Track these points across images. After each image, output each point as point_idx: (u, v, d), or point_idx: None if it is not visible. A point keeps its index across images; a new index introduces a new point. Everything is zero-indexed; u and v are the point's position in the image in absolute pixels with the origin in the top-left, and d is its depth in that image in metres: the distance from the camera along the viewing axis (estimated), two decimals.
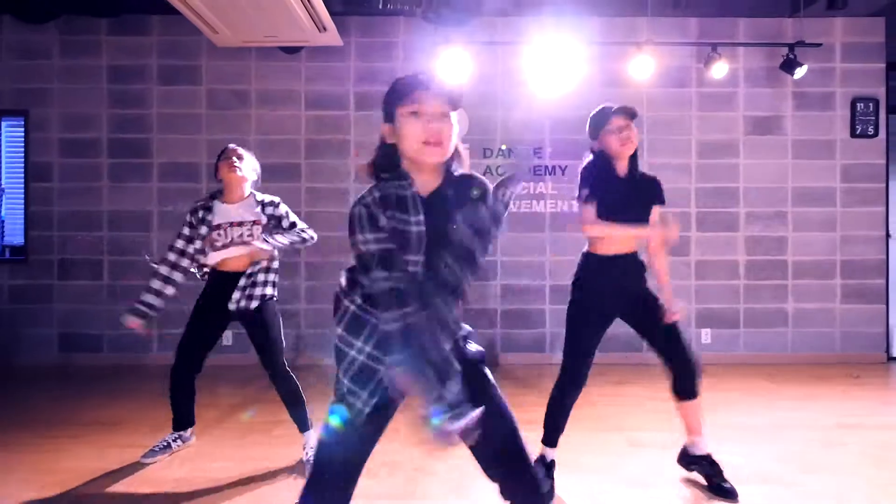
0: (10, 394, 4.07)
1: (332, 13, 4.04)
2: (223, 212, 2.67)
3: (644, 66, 4.56)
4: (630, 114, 2.33)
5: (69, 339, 4.85)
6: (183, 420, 2.80)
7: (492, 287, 4.92)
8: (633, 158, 2.39)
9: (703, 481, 2.45)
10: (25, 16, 4.40)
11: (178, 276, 2.68)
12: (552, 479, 2.37)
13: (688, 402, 2.37)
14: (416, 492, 2.42)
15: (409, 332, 1.24)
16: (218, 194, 2.75)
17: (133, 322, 2.60)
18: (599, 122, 2.37)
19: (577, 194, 2.36)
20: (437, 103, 1.33)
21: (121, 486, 2.48)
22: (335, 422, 1.33)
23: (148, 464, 2.67)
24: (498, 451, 1.34)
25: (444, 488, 2.44)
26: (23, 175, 4.89)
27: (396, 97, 1.36)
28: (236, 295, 2.61)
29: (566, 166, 4.91)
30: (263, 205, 2.75)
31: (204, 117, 4.89)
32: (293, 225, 2.80)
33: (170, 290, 2.67)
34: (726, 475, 2.39)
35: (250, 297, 2.65)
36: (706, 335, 4.92)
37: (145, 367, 4.70)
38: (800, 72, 4.60)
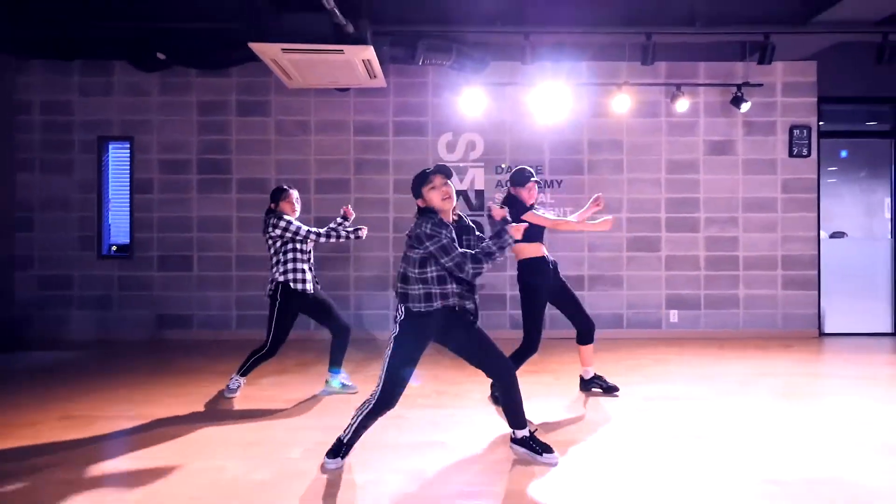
0: (138, 355, 5.29)
1: (379, 63, 5.25)
2: None
3: (623, 102, 5.79)
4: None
5: (165, 319, 6.07)
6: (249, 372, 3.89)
7: (504, 277, 6.14)
8: None
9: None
10: (141, 65, 5.62)
11: None
12: None
13: (585, 346, 3.78)
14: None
15: None
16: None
17: None
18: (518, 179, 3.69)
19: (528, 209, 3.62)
20: (442, 179, 2.56)
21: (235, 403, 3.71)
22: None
23: (230, 397, 3.81)
24: (481, 352, 2.62)
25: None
26: (128, 188, 6.13)
27: (423, 180, 2.56)
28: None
29: (561, 180, 6.13)
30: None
31: (273, 142, 6.12)
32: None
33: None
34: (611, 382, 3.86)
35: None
36: (674, 315, 6.12)
37: (226, 341, 5.92)
38: (745, 106, 5.82)
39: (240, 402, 3.71)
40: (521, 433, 2.69)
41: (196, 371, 4.57)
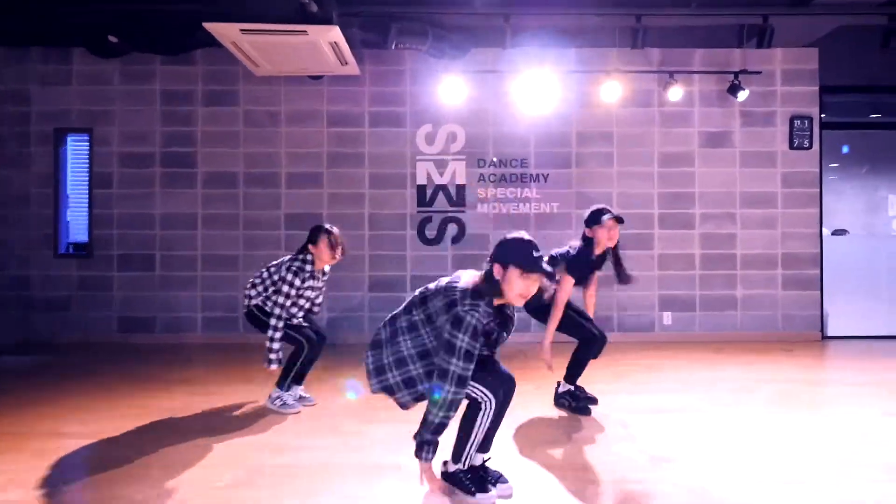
0: (92, 361, 4.92)
1: (352, 49, 4.90)
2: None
3: (613, 90, 5.43)
4: (619, 219, 3.31)
5: (127, 321, 5.71)
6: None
7: None
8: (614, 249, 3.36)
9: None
10: (97, 51, 5.26)
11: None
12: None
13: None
14: None
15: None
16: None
17: None
18: (595, 217, 3.31)
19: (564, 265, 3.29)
20: (537, 279, 2.05)
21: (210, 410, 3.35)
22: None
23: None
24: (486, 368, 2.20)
25: None
26: (87, 183, 5.76)
27: (526, 264, 2.02)
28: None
29: (548, 174, 5.78)
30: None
31: (241, 134, 5.76)
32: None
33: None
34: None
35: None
36: (667, 317, 5.77)
37: (192, 345, 5.56)
38: (742, 95, 5.48)
39: (191, 415, 3.34)
40: (476, 458, 2.30)
41: (153, 379, 4.19)
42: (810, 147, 5.79)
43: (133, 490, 2.31)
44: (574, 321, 3.35)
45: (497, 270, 2.07)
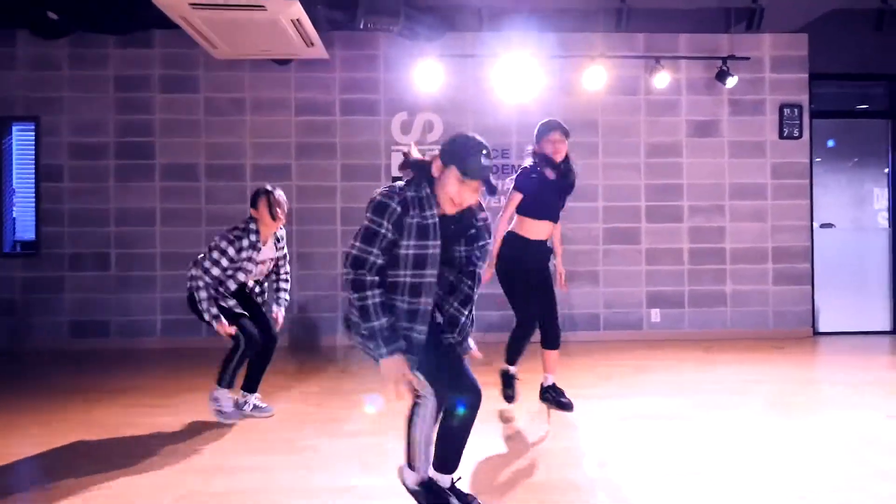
0: (32, 370, 4.52)
1: (318, 30, 4.55)
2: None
3: (597, 77, 5.16)
4: (564, 132, 3.10)
5: (79, 326, 5.29)
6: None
7: None
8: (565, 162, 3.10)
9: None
10: (41, 31, 4.84)
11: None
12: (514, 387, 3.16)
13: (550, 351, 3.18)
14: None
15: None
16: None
17: None
18: (541, 131, 3.14)
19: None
20: (476, 188, 1.81)
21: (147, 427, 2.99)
22: None
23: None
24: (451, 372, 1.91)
25: None
26: (34, 176, 5.33)
27: (465, 167, 1.76)
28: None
29: None
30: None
31: (202, 123, 5.37)
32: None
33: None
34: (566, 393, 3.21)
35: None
36: (655, 314, 5.52)
37: (151, 350, 5.17)
38: (731, 82, 5.24)
39: (125, 434, 2.98)
40: (443, 480, 1.98)
41: (93, 390, 3.80)
42: (800, 136, 5.58)
43: None
44: (526, 296, 3.07)
45: (436, 167, 1.84)
